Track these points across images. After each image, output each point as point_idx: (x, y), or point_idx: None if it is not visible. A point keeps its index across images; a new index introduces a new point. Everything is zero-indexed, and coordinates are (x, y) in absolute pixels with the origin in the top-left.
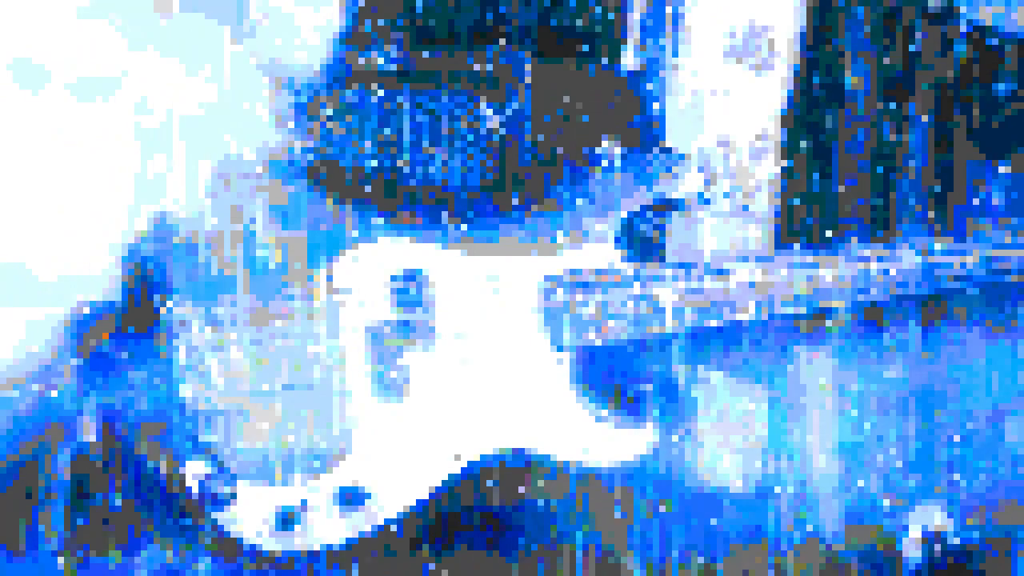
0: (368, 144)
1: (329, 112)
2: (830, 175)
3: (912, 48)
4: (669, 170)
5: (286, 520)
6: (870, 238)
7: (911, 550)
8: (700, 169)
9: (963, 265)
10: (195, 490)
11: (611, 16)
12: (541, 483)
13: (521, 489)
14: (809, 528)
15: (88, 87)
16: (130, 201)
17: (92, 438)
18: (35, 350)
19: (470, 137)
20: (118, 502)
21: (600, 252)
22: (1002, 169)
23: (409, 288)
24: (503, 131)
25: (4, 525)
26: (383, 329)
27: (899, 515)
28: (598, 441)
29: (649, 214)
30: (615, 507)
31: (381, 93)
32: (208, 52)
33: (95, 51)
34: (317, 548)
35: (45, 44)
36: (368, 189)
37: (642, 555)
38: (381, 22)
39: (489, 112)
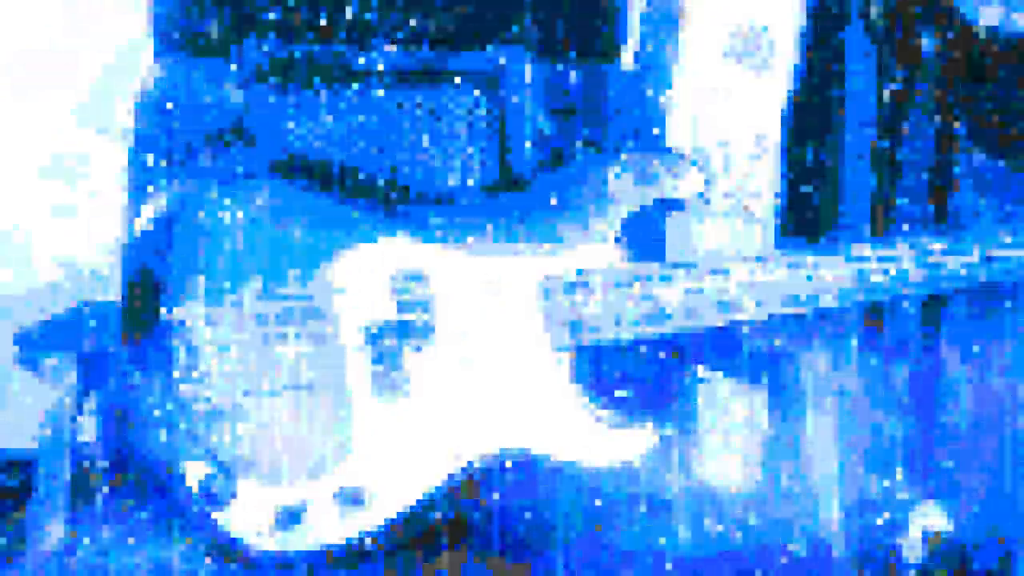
0: (368, 143)
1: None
2: (830, 175)
3: (912, 47)
4: (669, 170)
5: (286, 520)
6: (870, 238)
7: (911, 550)
8: (700, 169)
9: (963, 265)
10: (195, 490)
11: (611, 16)
12: (541, 483)
13: (521, 489)
14: (809, 528)
15: (87, 84)
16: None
17: (92, 438)
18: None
19: (470, 137)
20: (118, 502)
21: (600, 252)
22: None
23: (409, 288)
24: (504, 131)
25: (4, 525)
26: (383, 329)
27: (899, 515)
28: (598, 441)
29: (649, 214)
30: (615, 507)
31: (381, 93)
32: None
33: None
34: (317, 548)
35: (40, 42)
36: (369, 189)
37: (642, 555)
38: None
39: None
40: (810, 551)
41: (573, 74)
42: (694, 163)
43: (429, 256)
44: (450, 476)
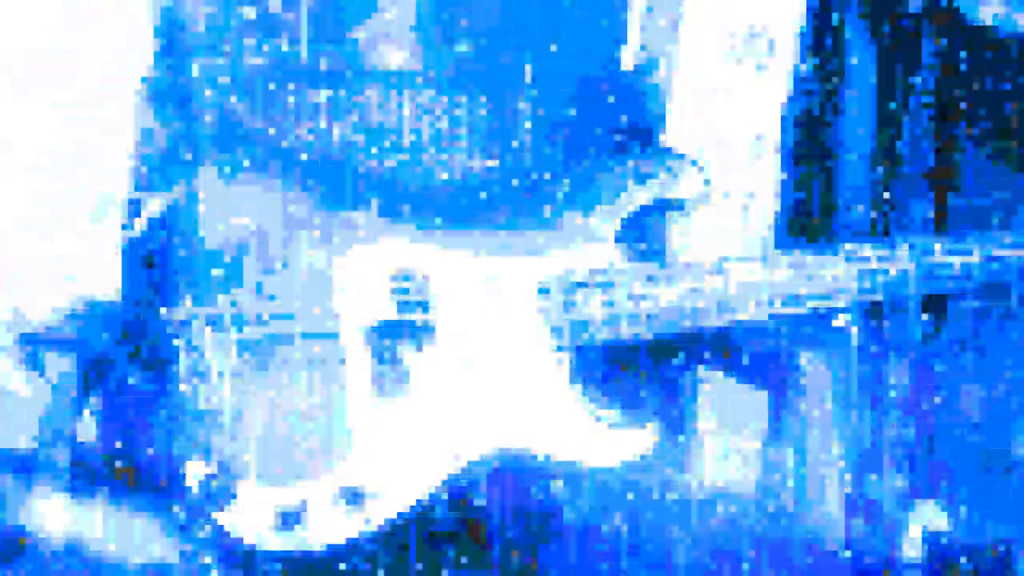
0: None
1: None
2: (830, 175)
3: (912, 47)
4: (669, 170)
5: (286, 520)
6: (870, 238)
7: (911, 550)
8: (700, 169)
9: (963, 265)
10: (195, 490)
11: (610, 15)
12: (542, 483)
13: (521, 489)
14: (809, 528)
15: (87, 84)
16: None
17: (92, 438)
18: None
19: (470, 137)
20: (118, 502)
21: (600, 252)
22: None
23: (409, 288)
24: (504, 131)
25: (4, 525)
26: (383, 329)
27: (899, 515)
28: (598, 441)
29: (649, 214)
30: (615, 507)
31: (382, 92)
32: None
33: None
34: (317, 548)
35: (40, 42)
36: (369, 188)
37: (641, 555)
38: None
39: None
40: (810, 551)
41: (573, 73)
42: (694, 163)
43: (429, 256)
44: (450, 476)
